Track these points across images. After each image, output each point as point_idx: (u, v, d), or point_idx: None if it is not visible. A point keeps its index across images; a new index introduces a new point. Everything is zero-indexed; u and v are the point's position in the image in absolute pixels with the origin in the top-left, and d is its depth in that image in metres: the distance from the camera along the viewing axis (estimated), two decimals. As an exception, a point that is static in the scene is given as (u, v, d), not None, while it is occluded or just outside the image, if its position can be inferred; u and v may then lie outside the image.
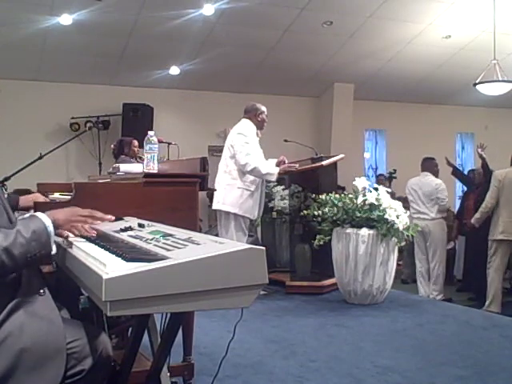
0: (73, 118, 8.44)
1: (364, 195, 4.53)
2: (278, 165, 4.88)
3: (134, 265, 1.30)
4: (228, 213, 4.79)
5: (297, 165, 4.93)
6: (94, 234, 1.66)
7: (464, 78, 8.49)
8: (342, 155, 5.29)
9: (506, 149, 10.66)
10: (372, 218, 4.43)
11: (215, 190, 4.86)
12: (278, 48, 8.04)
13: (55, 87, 8.37)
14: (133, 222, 2.02)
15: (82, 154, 8.50)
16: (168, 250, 1.43)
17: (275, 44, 7.95)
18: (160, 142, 3.31)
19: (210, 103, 9.09)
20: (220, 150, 5.28)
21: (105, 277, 1.23)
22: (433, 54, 8.46)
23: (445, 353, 3.28)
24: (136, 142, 5.63)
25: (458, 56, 8.56)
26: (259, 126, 4.99)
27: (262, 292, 1.39)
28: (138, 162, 5.16)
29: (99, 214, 1.69)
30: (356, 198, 4.54)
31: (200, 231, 2.18)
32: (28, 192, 2.92)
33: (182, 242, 1.51)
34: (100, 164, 8.18)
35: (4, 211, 1.65)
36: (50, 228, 1.54)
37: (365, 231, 4.45)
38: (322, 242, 4.63)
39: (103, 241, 1.65)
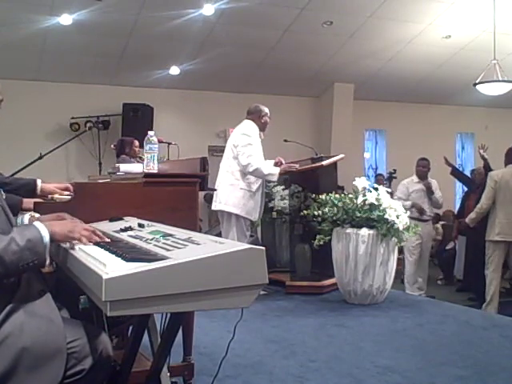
0: (73, 118, 8.44)
1: (364, 195, 4.53)
2: (275, 166, 4.89)
3: (134, 265, 1.30)
4: (230, 213, 4.79)
5: (297, 165, 4.94)
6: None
7: (464, 78, 8.49)
8: (342, 155, 5.29)
9: (506, 149, 10.69)
10: (372, 218, 4.43)
11: (215, 190, 4.85)
12: (278, 48, 8.04)
13: (55, 87, 8.37)
14: (133, 222, 2.02)
15: (81, 154, 8.50)
16: (168, 250, 1.44)
17: (275, 44, 7.95)
18: (160, 142, 3.31)
19: (210, 103, 9.09)
20: (220, 150, 5.29)
21: (105, 277, 1.23)
22: (433, 54, 8.46)
23: (445, 353, 3.27)
24: (137, 143, 5.63)
25: (458, 56, 8.56)
26: (262, 127, 5.00)
27: (262, 292, 1.39)
28: (138, 162, 5.16)
29: (96, 238, 1.64)
30: (356, 198, 4.54)
31: (200, 231, 2.18)
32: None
33: (181, 242, 1.52)
34: (100, 164, 8.18)
35: (3, 213, 1.64)
36: (46, 239, 1.51)
37: (365, 231, 4.45)
38: (321, 242, 4.63)
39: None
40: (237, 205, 4.75)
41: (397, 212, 4.50)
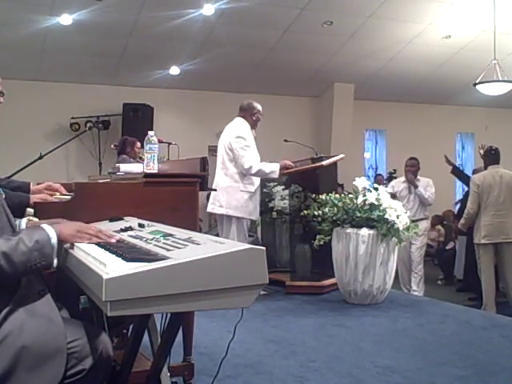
0: (73, 118, 8.44)
1: (364, 195, 4.53)
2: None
3: (134, 265, 1.30)
4: (230, 217, 4.78)
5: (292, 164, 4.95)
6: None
7: (464, 78, 8.49)
8: (342, 155, 5.29)
9: (506, 149, 10.68)
10: (372, 218, 4.43)
11: (215, 190, 4.84)
12: (278, 48, 8.04)
13: (55, 87, 8.37)
14: (133, 221, 2.02)
15: (82, 154, 8.50)
16: (168, 250, 1.44)
17: (275, 44, 7.95)
18: (160, 141, 3.31)
19: (210, 103, 9.09)
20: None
21: (105, 277, 1.23)
22: (433, 54, 8.46)
23: (445, 353, 3.28)
24: (139, 144, 5.62)
25: (458, 56, 8.56)
26: (254, 125, 4.94)
27: (262, 292, 1.39)
28: (138, 162, 5.15)
29: (104, 236, 1.66)
30: (356, 198, 4.54)
31: (200, 231, 2.18)
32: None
33: (182, 242, 1.52)
34: (100, 164, 8.18)
35: (3, 213, 1.64)
36: (54, 240, 1.53)
37: (365, 231, 4.45)
38: (322, 242, 4.63)
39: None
40: (239, 208, 4.73)
41: (397, 212, 4.50)
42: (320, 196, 4.69)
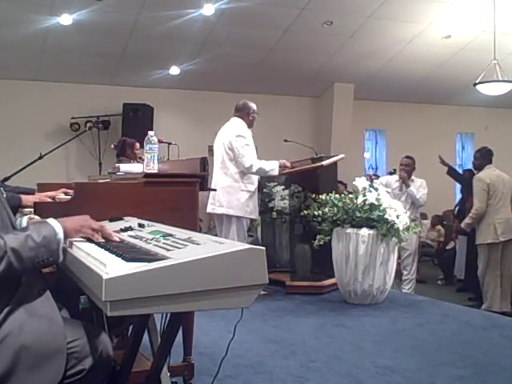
0: (73, 118, 8.44)
1: (364, 195, 4.53)
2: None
3: (134, 265, 1.30)
4: (231, 216, 4.78)
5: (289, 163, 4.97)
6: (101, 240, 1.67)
7: (464, 78, 8.49)
8: (342, 155, 5.29)
9: (506, 149, 10.71)
10: (372, 218, 4.43)
11: (215, 190, 4.84)
12: (278, 48, 8.04)
13: (55, 87, 8.37)
14: (133, 221, 2.02)
15: (82, 153, 8.51)
16: (168, 250, 1.44)
17: (275, 44, 7.95)
18: (160, 141, 3.32)
19: (210, 103, 9.09)
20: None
21: (105, 277, 1.23)
22: (433, 54, 8.46)
23: (445, 353, 3.27)
24: (138, 145, 5.61)
25: (458, 56, 8.56)
26: (250, 124, 4.97)
27: (262, 292, 1.39)
28: (138, 162, 5.15)
29: (108, 232, 1.68)
30: (356, 198, 4.54)
31: (200, 231, 2.18)
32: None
33: (182, 242, 1.52)
34: (100, 164, 8.18)
35: (4, 211, 1.65)
36: (60, 235, 1.53)
37: (365, 231, 4.45)
38: (322, 242, 4.63)
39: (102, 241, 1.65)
40: (240, 207, 4.74)
41: (397, 212, 4.50)
42: (320, 196, 4.68)
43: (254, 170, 4.71)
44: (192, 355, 2.58)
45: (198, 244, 1.47)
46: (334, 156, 5.33)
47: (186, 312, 1.67)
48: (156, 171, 2.59)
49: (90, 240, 1.67)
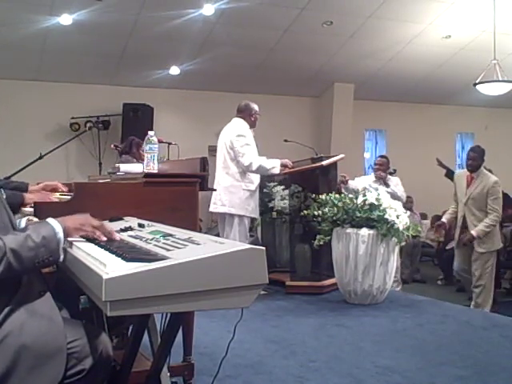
0: (73, 118, 8.44)
1: (364, 195, 4.53)
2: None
3: (134, 265, 1.30)
4: (233, 215, 4.80)
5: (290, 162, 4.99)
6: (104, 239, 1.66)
7: (464, 78, 8.49)
8: (342, 155, 5.29)
9: (506, 149, 10.72)
10: (372, 218, 4.43)
11: (215, 190, 4.86)
12: (278, 48, 8.04)
13: (55, 87, 8.37)
14: (133, 221, 2.02)
15: (82, 154, 8.50)
16: (168, 250, 1.44)
17: (275, 44, 7.95)
18: (160, 142, 3.31)
19: (210, 103, 9.09)
20: (220, 150, 5.28)
21: (105, 277, 1.23)
22: (433, 54, 8.46)
23: (445, 353, 3.28)
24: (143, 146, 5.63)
25: (458, 56, 8.56)
26: (252, 125, 5.02)
27: (262, 292, 1.39)
28: (139, 163, 5.15)
29: (108, 230, 1.67)
30: (356, 198, 4.54)
31: (200, 231, 2.18)
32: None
33: (182, 242, 1.52)
34: (100, 164, 8.18)
35: (4, 211, 1.65)
36: (60, 235, 1.53)
37: (365, 231, 4.45)
38: (321, 242, 4.63)
39: (103, 241, 1.65)
40: (242, 206, 4.78)
41: (397, 212, 4.50)
42: (320, 196, 4.69)
43: (254, 168, 4.73)
44: (192, 355, 2.58)
45: (198, 244, 1.47)
46: (334, 156, 5.33)
47: (186, 312, 1.67)
48: (156, 171, 2.59)
49: (90, 240, 1.67)
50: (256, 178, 4.92)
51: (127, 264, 1.33)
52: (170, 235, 1.64)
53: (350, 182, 5.65)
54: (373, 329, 3.84)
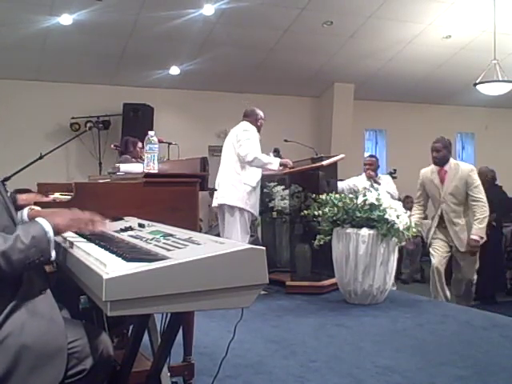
0: (73, 118, 8.44)
1: (364, 195, 4.53)
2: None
3: (134, 265, 1.30)
4: (233, 208, 4.85)
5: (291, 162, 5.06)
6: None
7: (464, 78, 8.49)
8: (342, 155, 5.30)
9: (506, 149, 10.71)
10: (372, 218, 4.43)
11: (215, 190, 4.89)
12: (278, 48, 8.04)
13: (55, 87, 8.37)
14: (133, 221, 2.02)
15: (82, 154, 8.50)
16: (168, 250, 1.44)
17: (275, 44, 7.95)
18: (160, 142, 3.31)
19: (210, 103, 9.09)
20: (220, 150, 5.31)
21: (105, 277, 1.23)
22: (433, 54, 8.46)
23: (445, 353, 3.28)
24: (140, 144, 5.65)
25: (458, 56, 8.56)
26: (257, 129, 5.11)
27: (262, 292, 1.39)
28: (139, 162, 5.16)
29: (98, 221, 1.66)
30: (356, 198, 4.54)
31: (200, 231, 2.18)
32: (28, 191, 2.92)
33: (182, 242, 1.52)
34: (100, 164, 8.18)
35: (5, 210, 1.64)
36: (50, 234, 1.51)
37: (365, 231, 4.45)
38: (322, 242, 4.63)
39: (103, 241, 1.65)
40: (241, 199, 4.85)
41: (397, 212, 4.50)
42: (320, 196, 4.69)
43: (250, 158, 4.80)
44: (192, 355, 2.58)
45: (199, 244, 1.47)
46: (334, 156, 5.34)
47: (186, 312, 1.67)
48: (156, 171, 2.59)
49: (90, 240, 1.67)
50: (256, 174, 4.97)
51: (127, 264, 1.33)
52: (171, 235, 1.64)
53: (338, 183, 5.65)
54: (373, 329, 3.84)
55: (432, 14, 7.33)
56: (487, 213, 4.88)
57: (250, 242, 5.09)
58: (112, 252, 1.48)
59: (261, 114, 5.16)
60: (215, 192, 5.03)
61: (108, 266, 1.31)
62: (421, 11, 7.28)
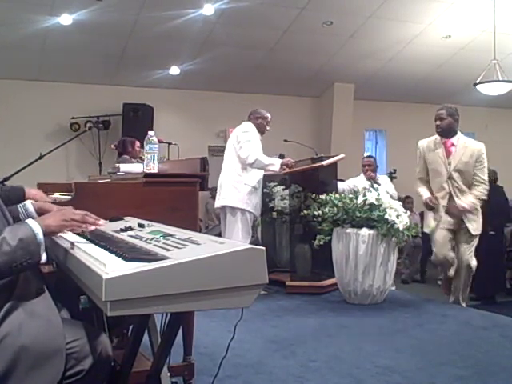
0: (73, 118, 8.44)
1: (364, 195, 4.53)
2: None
3: (134, 265, 1.30)
4: (235, 209, 4.86)
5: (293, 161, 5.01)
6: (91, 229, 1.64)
7: (464, 78, 8.49)
8: (342, 155, 5.30)
9: (506, 149, 10.71)
10: (372, 218, 4.43)
11: (215, 190, 4.89)
12: (278, 48, 8.04)
13: (55, 87, 8.36)
14: (133, 222, 2.02)
15: (82, 154, 8.50)
16: (168, 250, 1.44)
17: (275, 44, 7.95)
18: (160, 142, 3.31)
19: (210, 103, 9.09)
20: (220, 150, 5.33)
21: (105, 277, 1.23)
22: (433, 54, 8.46)
23: (445, 353, 3.27)
24: (138, 143, 5.65)
25: (458, 56, 8.56)
26: (259, 129, 5.09)
27: (262, 292, 1.39)
28: (138, 162, 5.16)
29: (92, 219, 1.63)
30: (356, 198, 4.54)
31: (200, 231, 2.18)
32: None
33: (182, 242, 1.52)
34: (100, 164, 8.18)
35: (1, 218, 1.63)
36: (40, 236, 1.48)
37: (365, 231, 4.45)
38: (322, 242, 4.63)
39: (103, 241, 1.65)
40: (242, 199, 4.86)
41: (397, 212, 4.50)
42: (320, 196, 4.69)
43: (251, 160, 4.80)
44: (192, 355, 2.58)
45: (198, 244, 1.47)
46: (334, 156, 5.34)
47: (186, 312, 1.67)
48: (156, 171, 2.59)
49: (90, 240, 1.66)
50: (257, 174, 4.97)
51: (127, 264, 1.33)
52: (170, 235, 1.64)
53: (338, 184, 5.64)
54: (373, 329, 3.84)
55: (432, 14, 7.33)
56: (485, 197, 4.47)
57: (250, 242, 5.09)
58: (112, 252, 1.48)
59: (263, 113, 5.14)
60: (217, 192, 5.05)
61: (108, 266, 1.31)
62: (421, 11, 7.27)
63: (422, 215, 9.17)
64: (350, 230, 4.50)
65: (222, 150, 5.25)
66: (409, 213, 4.83)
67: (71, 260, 1.56)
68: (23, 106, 8.16)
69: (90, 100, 8.44)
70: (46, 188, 3.02)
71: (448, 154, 4.48)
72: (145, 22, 6.96)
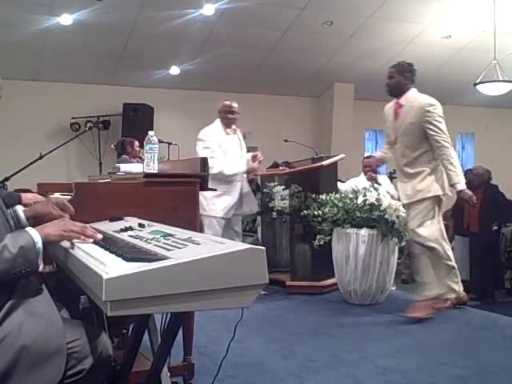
0: (73, 118, 8.44)
1: (364, 195, 4.53)
2: (253, 160, 4.77)
3: (134, 265, 1.30)
4: (203, 218, 4.62)
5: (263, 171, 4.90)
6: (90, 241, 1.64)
7: (464, 78, 8.49)
8: (342, 155, 5.30)
9: (506, 149, 10.71)
10: (372, 218, 4.43)
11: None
12: (278, 48, 8.04)
13: (55, 87, 8.37)
14: (133, 221, 2.02)
15: (82, 153, 8.50)
16: (168, 249, 1.44)
17: (275, 44, 7.95)
18: (160, 142, 3.31)
19: (211, 103, 9.01)
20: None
21: (105, 277, 1.23)
22: (433, 54, 8.45)
23: (445, 353, 3.27)
24: (137, 143, 5.65)
25: (458, 56, 8.56)
26: (226, 123, 4.81)
27: (262, 292, 1.39)
28: (138, 162, 5.16)
29: (90, 232, 1.62)
30: (356, 198, 4.54)
31: (200, 231, 2.18)
32: (28, 191, 2.91)
33: (182, 241, 1.52)
34: (100, 164, 8.17)
35: (1, 213, 1.64)
36: (39, 244, 1.48)
37: (365, 231, 4.45)
38: (322, 242, 4.63)
39: (103, 240, 1.65)
40: (205, 206, 4.59)
41: (397, 212, 4.50)
42: (320, 196, 4.69)
43: (214, 171, 4.39)
44: (192, 355, 2.58)
45: (198, 244, 1.47)
46: (334, 156, 5.34)
47: (186, 312, 1.67)
48: (156, 171, 2.59)
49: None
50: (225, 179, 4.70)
51: (127, 264, 1.33)
52: (170, 235, 1.64)
53: (339, 184, 5.60)
54: (373, 329, 3.84)
55: (432, 13, 7.33)
56: (457, 161, 3.75)
57: (250, 242, 5.08)
58: (112, 252, 1.48)
59: (222, 104, 4.80)
60: None
61: (108, 266, 1.31)
62: (421, 11, 7.27)
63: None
64: (350, 230, 4.50)
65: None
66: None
67: (71, 260, 1.56)
68: (23, 106, 8.16)
69: (90, 100, 8.44)
70: (46, 188, 3.02)
71: (396, 116, 3.93)
72: (145, 22, 6.96)
